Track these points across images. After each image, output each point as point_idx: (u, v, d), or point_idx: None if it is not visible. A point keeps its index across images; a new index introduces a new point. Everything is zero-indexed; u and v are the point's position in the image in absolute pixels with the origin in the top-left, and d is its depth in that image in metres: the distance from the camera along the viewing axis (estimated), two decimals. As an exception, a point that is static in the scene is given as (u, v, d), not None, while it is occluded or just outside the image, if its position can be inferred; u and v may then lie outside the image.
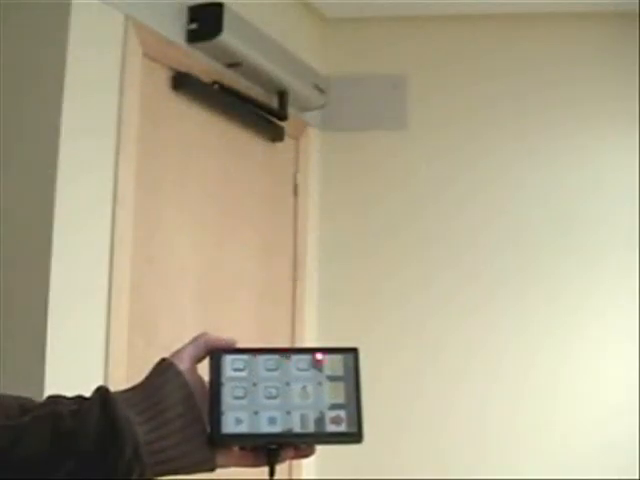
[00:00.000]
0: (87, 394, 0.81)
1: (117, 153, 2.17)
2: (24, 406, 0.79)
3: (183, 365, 0.83)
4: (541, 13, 3.14)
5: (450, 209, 3.13)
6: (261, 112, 2.82)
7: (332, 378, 0.86)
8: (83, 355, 2.02)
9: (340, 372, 0.86)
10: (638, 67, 3.02)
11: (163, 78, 2.43)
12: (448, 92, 3.21)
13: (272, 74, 2.77)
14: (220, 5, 2.46)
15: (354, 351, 0.87)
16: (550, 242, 3.05)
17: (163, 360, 0.84)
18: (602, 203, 3.05)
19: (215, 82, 2.59)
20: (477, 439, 2.98)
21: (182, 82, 2.45)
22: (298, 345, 2.89)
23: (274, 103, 2.89)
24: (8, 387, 1.92)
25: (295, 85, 2.89)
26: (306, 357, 0.86)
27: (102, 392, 0.79)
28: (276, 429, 0.83)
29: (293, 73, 2.87)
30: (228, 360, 0.85)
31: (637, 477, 2.74)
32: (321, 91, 3.07)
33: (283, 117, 2.90)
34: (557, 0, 3.05)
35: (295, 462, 2.77)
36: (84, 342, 2.03)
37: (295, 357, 0.86)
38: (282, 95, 2.89)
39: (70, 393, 1.87)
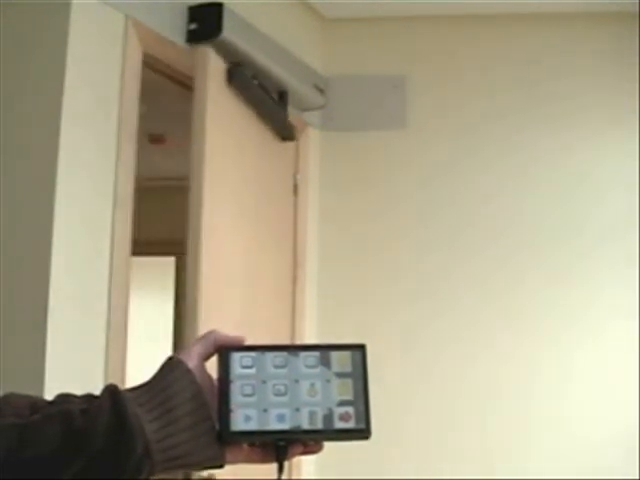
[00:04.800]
0: (92, 393, 0.82)
1: (117, 153, 2.17)
2: (34, 405, 0.80)
3: (191, 362, 0.83)
4: (541, 13, 3.14)
5: (450, 208, 3.13)
6: (275, 109, 2.80)
7: (340, 375, 0.86)
8: (83, 355, 2.02)
9: (348, 369, 0.86)
10: (638, 67, 3.02)
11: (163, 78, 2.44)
12: (448, 92, 3.21)
13: (272, 74, 2.77)
14: (220, 5, 2.46)
15: (362, 348, 0.87)
16: (552, 240, 3.05)
17: (171, 358, 0.84)
18: (602, 205, 3.05)
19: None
20: (477, 439, 2.98)
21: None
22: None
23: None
24: (8, 387, 1.92)
25: (295, 85, 2.90)
26: (314, 354, 0.86)
27: (111, 390, 0.79)
28: (285, 426, 0.83)
29: (293, 73, 2.88)
30: (236, 357, 0.85)
31: (637, 477, 2.74)
32: (321, 91, 3.08)
33: (283, 117, 2.90)
34: (557, 0, 3.05)
35: (295, 462, 2.77)
36: (84, 342, 2.03)
37: (303, 354, 0.86)
38: (282, 95, 2.89)
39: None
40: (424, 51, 3.25)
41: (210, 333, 0.86)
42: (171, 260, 6.77)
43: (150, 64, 2.34)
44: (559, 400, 2.97)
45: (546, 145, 3.12)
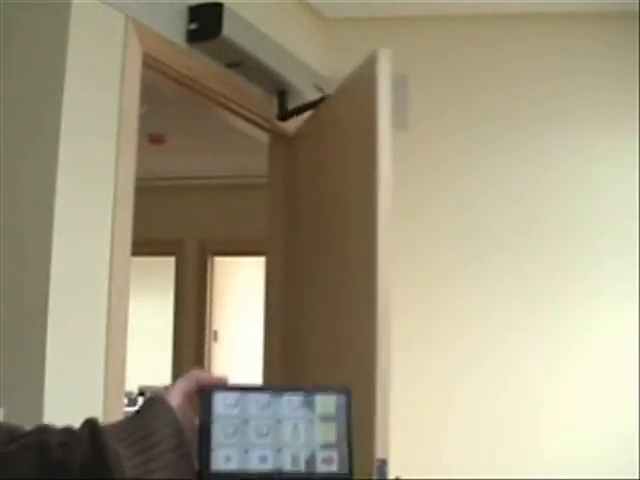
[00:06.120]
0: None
1: (117, 153, 2.17)
2: (11, 433, 0.79)
3: (174, 401, 0.83)
4: (541, 13, 3.14)
5: (451, 209, 3.13)
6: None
7: (324, 417, 0.84)
8: (83, 355, 2.02)
9: (332, 412, 0.85)
10: (638, 67, 3.02)
11: (163, 78, 2.43)
12: (449, 92, 3.21)
13: (272, 74, 2.77)
14: (220, 5, 2.46)
15: (347, 391, 0.86)
16: (553, 242, 3.06)
17: (153, 395, 0.84)
18: (603, 210, 3.05)
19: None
20: (478, 439, 2.98)
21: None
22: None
23: (274, 103, 2.89)
24: (8, 388, 1.92)
25: (295, 85, 2.90)
26: (298, 396, 0.85)
27: (91, 424, 0.79)
28: (266, 467, 0.82)
29: (293, 73, 2.88)
30: (219, 397, 0.84)
31: (637, 477, 2.74)
32: (321, 91, 3.07)
33: (283, 117, 2.89)
34: (558, 0, 3.05)
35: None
36: (84, 342, 2.03)
37: (287, 395, 0.85)
38: (282, 95, 2.89)
39: (70, 395, 1.86)
40: (425, 51, 3.25)
41: (194, 372, 0.86)
42: (171, 260, 6.78)
43: (150, 64, 2.34)
44: (560, 400, 2.97)
45: (546, 143, 3.12)
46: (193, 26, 2.46)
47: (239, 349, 7.04)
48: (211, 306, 6.66)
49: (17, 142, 2.03)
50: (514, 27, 3.19)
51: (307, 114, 3.01)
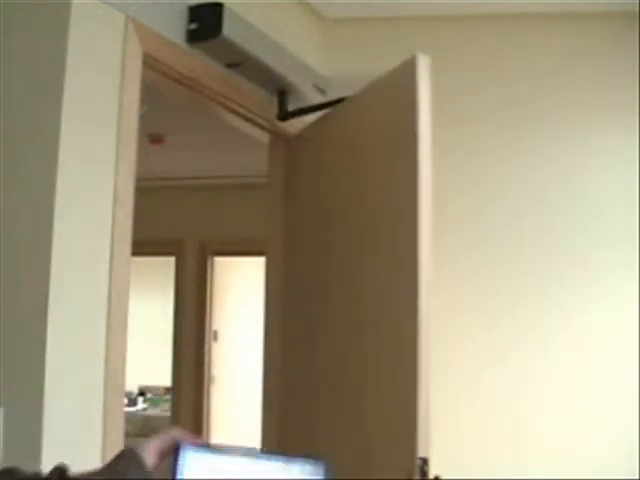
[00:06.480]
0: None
1: (117, 153, 2.17)
2: None
3: (148, 458, 0.83)
4: (541, 13, 3.14)
5: (448, 208, 3.13)
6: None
7: None
8: (83, 355, 2.02)
9: None
10: (638, 67, 3.02)
11: (163, 78, 2.43)
12: (447, 92, 3.21)
13: (272, 74, 2.77)
14: (220, 5, 2.46)
15: (324, 461, 0.84)
16: (550, 240, 3.06)
17: (126, 449, 0.83)
18: (603, 204, 3.05)
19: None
20: (478, 439, 2.98)
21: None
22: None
23: (274, 103, 2.89)
24: (9, 389, 1.92)
25: (295, 85, 2.90)
26: (274, 462, 0.84)
27: (60, 471, 0.78)
28: None
29: (293, 73, 2.88)
30: (193, 457, 0.84)
31: (637, 477, 2.74)
32: (321, 91, 3.07)
33: (283, 117, 2.90)
34: (558, 0, 3.05)
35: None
36: (84, 342, 2.03)
37: (262, 461, 0.84)
38: (282, 95, 2.89)
39: (70, 395, 1.86)
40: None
41: (170, 431, 0.86)
42: (171, 260, 6.78)
43: (150, 64, 2.34)
44: (560, 400, 2.97)
45: (549, 139, 3.12)
46: (193, 26, 2.46)
47: (239, 349, 7.05)
48: (211, 306, 6.66)
49: (17, 142, 2.03)
50: (513, 27, 3.19)
51: (313, 115, 3.03)
